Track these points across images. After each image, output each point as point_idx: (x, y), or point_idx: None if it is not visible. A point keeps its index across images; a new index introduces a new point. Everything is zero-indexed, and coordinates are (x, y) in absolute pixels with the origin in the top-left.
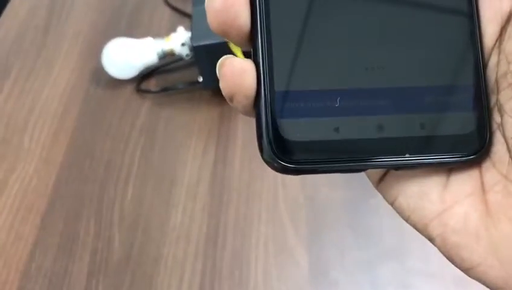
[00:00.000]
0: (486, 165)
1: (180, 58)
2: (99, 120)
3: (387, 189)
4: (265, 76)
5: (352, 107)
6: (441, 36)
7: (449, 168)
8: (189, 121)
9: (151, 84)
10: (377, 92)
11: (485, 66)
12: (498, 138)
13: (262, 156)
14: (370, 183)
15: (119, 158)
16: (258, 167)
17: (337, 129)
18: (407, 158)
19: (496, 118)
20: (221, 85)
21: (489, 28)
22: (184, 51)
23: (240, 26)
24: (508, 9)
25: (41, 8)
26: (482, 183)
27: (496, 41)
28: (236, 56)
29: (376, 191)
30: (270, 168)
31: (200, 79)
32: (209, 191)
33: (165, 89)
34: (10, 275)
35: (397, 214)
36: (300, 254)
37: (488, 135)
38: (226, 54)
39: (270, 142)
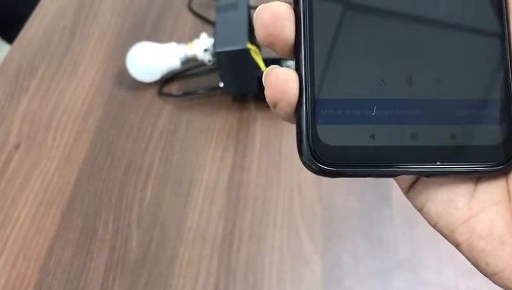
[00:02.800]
0: None
1: (202, 64)
2: (122, 121)
3: (416, 195)
4: (307, 85)
5: (388, 116)
6: (473, 53)
7: (477, 177)
8: (208, 126)
9: (173, 88)
10: (412, 103)
11: None
12: None
13: (301, 158)
14: (384, 194)
15: (140, 159)
16: (274, 173)
17: (372, 136)
18: (438, 166)
19: None
20: (266, 92)
21: None
22: (206, 57)
23: (285, 38)
24: None
25: (69, 10)
26: (509, 192)
27: None
28: (260, 65)
29: (391, 201)
30: (308, 170)
31: (221, 84)
32: (226, 194)
33: (186, 93)
34: (30, 268)
35: (411, 225)
36: (314, 261)
37: None
38: (247, 60)
39: (309, 146)
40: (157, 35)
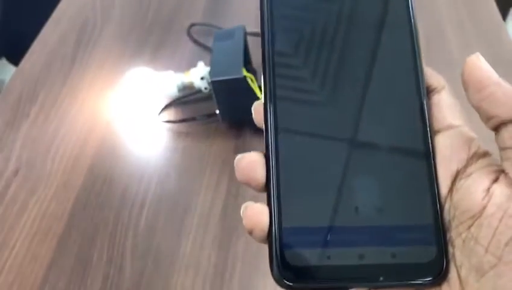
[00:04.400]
0: (444, 287)
1: (199, 91)
2: (119, 147)
3: None
4: (275, 216)
5: (340, 240)
6: (408, 185)
7: (415, 288)
8: (204, 152)
9: (171, 114)
10: (359, 229)
11: (442, 210)
12: (452, 266)
13: (272, 275)
14: None
15: (136, 185)
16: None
17: (329, 257)
18: (382, 281)
19: (450, 250)
20: (244, 222)
21: (444, 182)
22: (203, 84)
23: (258, 179)
24: (455, 169)
25: (70, 37)
26: None
27: (449, 192)
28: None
29: None
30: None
31: (217, 112)
32: (219, 222)
33: (183, 120)
34: None
35: None
36: None
37: (445, 263)
38: (242, 88)
39: (278, 266)
40: (157, 62)
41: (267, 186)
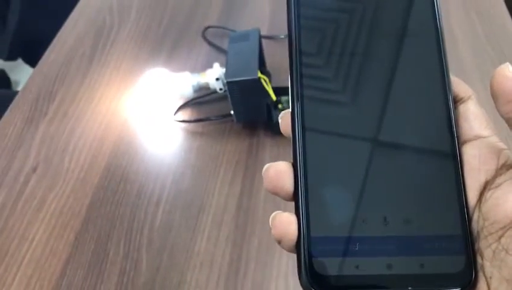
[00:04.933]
0: None
1: (214, 92)
2: (135, 146)
3: None
4: (303, 225)
5: (368, 250)
6: (437, 197)
7: None
8: (219, 152)
9: (186, 114)
10: (387, 239)
11: (470, 220)
12: (481, 276)
13: (301, 283)
14: None
15: (152, 183)
16: (282, 200)
17: (357, 267)
18: None
19: (479, 260)
20: (273, 231)
21: (472, 193)
22: (218, 85)
23: (286, 189)
24: (484, 180)
25: (87, 38)
26: None
27: (477, 202)
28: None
29: None
30: None
31: (232, 112)
32: (234, 220)
33: (198, 120)
34: (43, 288)
35: None
36: None
37: (474, 273)
38: (257, 89)
39: (307, 275)
40: (172, 64)
41: (295, 196)
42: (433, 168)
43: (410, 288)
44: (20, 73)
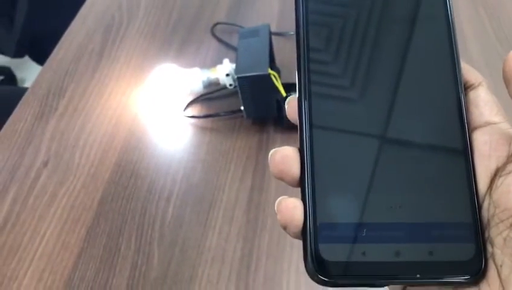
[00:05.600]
0: (483, 285)
1: (224, 87)
2: (146, 141)
3: None
4: (310, 211)
5: (376, 237)
6: (446, 184)
7: (453, 286)
8: (229, 147)
9: (196, 110)
10: (395, 226)
11: (480, 207)
12: (491, 265)
13: (306, 270)
14: None
15: (162, 178)
16: (292, 195)
17: (364, 253)
18: (418, 278)
19: (489, 248)
20: (278, 217)
21: (482, 180)
22: (228, 81)
23: (292, 174)
24: (495, 166)
25: (97, 33)
26: None
27: (488, 189)
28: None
29: None
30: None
31: (242, 108)
32: (244, 215)
33: (208, 116)
34: (55, 282)
35: None
36: None
37: (484, 261)
38: (267, 85)
39: (313, 261)
40: (181, 59)
41: (301, 181)
42: (443, 155)
43: (418, 276)
44: (26, 70)
